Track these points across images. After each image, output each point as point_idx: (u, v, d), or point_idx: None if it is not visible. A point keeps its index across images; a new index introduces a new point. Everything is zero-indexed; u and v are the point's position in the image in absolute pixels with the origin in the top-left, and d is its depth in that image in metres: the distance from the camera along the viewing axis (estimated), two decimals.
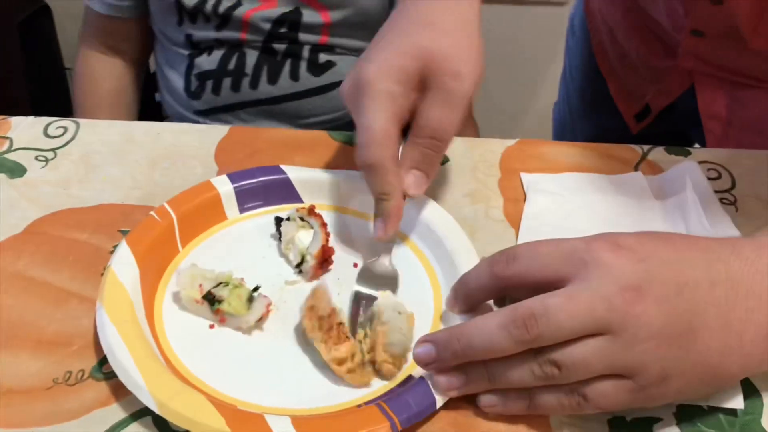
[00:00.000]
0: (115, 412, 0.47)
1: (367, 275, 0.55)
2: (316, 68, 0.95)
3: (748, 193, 0.65)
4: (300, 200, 0.62)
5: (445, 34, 0.56)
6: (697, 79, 0.85)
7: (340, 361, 0.49)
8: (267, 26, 0.93)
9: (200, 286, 0.53)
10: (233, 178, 0.61)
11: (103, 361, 0.50)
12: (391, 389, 0.49)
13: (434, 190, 0.64)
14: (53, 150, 0.67)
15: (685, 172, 0.64)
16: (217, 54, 0.94)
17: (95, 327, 0.50)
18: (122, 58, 1.04)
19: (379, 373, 0.50)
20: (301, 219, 0.58)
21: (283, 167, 0.62)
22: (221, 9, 0.91)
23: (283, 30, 0.93)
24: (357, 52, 0.96)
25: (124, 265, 0.53)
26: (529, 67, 1.72)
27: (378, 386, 0.49)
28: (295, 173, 0.62)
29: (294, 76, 0.94)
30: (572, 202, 0.63)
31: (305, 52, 0.95)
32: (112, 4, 0.99)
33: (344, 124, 0.95)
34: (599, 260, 0.44)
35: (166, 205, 0.58)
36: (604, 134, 0.93)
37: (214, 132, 0.70)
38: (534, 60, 1.72)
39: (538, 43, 1.67)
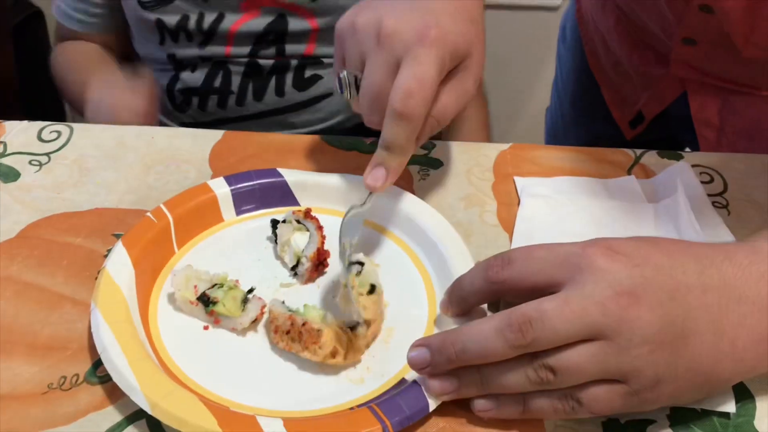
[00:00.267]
0: (110, 416, 0.47)
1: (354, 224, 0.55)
2: (302, 83, 0.95)
3: (740, 197, 0.65)
4: (296, 203, 0.62)
5: (483, 37, 0.58)
6: (690, 86, 0.86)
7: (332, 354, 0.49)
8: (251, 40, 0.92)
9: (195, 287, 0.53)
10: (230, 180, 0.61)
11: (97, 364, 0.50)
12: (383, 392, 0.49)
13: (428, 194, 0.65)
14: (47, 154, 0.67)
15: (677, 175, 0.64)
16: (202, 71, 0.94)
17: (89, 331, 0.50)
18: None
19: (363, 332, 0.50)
20: (297, 222, 0.58)
21: (280, 170, 0.62)
22: (205, 25, 0.91)
23: (269, 40, 0.92)
24: None
25: (119, 265, 0.53)
26: (522, 72, 1.73)
27: (371, 389, 0.49)
28: (291, 176, 0.62)
29: (279, 92, 0.94)
30: (566, 206, 0.63)
31: (291, 66, 0.94)
32: (81, 19, 0.98)
33: (331, 134, 0.95)
34: (594, 265, 0.44)
35: (163, 207, 0.58)
36: (598, 140, 0.94)
37: (209, 136, 0.70)
38: (527, 64, 1.73)
39: (531, 48, 1.67)
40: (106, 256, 0.57)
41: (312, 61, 0.95)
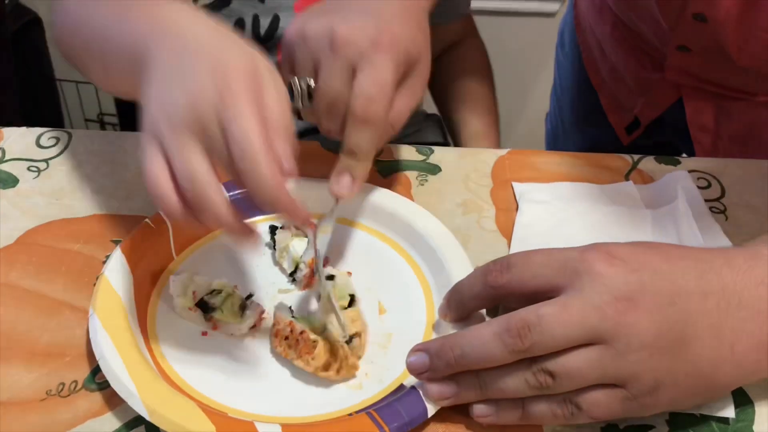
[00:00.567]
0: (109, 422, 0.47)
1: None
2: None
3: (738, 202, 0.65)
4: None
5: (429, 43, 0.58)
6: (685, 92, 0.86)
7: (325, 366, 0.49)
8: None
9: (193, 293, 0.53)
10: (229, 186, 0.61)
11: (95, 371, 0.50)
12: (382, 398, 0.49)
13: (426, 199, 0.65)
14: (45, 160, 0.67)
15: (677, 182, 0.65)
16: None
17: (88, 337, 0.50)
18: None
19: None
20: (296, 228, 0.58)
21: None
22: (261, 30, 0.84)
23: None
24: None
25: (117, 272, 0.53)
26: (520, 78, 1.73)
27: (369, 395, 0.49)
28: (290, 182, 0.62)
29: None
30: (564, 212, 0.64)
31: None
32: None
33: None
34: (592, 270, 0.44)
35: (162, 213, 0.58)
36: (596, 146, 0.94)
37: None
38: (526, 70, 1.74)
39: (530, 54, 1.68)
40: (104, 262, 0.57)
41: None
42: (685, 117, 0.87)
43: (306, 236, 0.58)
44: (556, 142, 1.14)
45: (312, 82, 0.55)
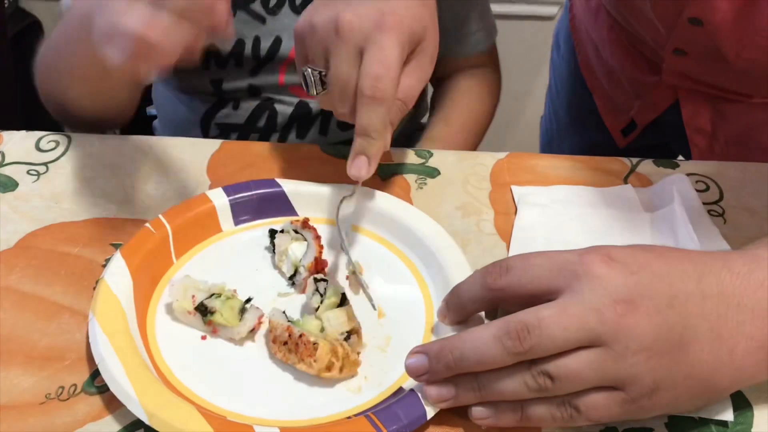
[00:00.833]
0: (108, 426, 0.47)
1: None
2: (347, 123, 0.92)
3: (736, 205, 0.65)
4: (294, 213, 0.62)
5: (436, 18, 0.59)
6: (681, 94, 0.86)
7: (328, 367, 0.49)
8: None
9: (193, 297, 0.53)
10: (228, 190, 0.61)
11: (95, 374, 0.50)
12: (381, 401, 0.49)
13: (425, 203, 0.65)
14: (45, 164, 0.67)
15: (674, 185, 0.65)
16: (246, 107, 0.85)
17: (87, 341, 0.50)
18: None
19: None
20: (295, 231, 0.58)
21: (278, 180, 0.62)
22: (262, 51, 0.83)
23: None
24: None
25: (117, 276, 0.53)
26: (518, 81, 1.73)
27: (368, 398, 0.49)
28: (290, 186, 0.62)
29: (323, 131, 0.88)
30: (563, 215, 0.64)
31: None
32: None
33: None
34: (591, 273, 0.44)
35: (162, 217, 0.58)
36: (591, 148, 0.94)
37: (207, 146, 0.70)
38: (524, 73, 1.74)
39: (528, 57, 1.68)
40: (104, 266, 0.57)
41: None
42: (681, 119, 0.87)
43: (305, 240, 0.58)
44: (550, 144, 1.14)
45: (323, 71, 0.56)
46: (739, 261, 0.45)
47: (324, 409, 0.49)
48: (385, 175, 0.68)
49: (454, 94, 0.94)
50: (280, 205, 0.62)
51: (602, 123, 0.98)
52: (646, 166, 0.70)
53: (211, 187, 0.65)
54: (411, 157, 0.70)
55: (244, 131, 0.87)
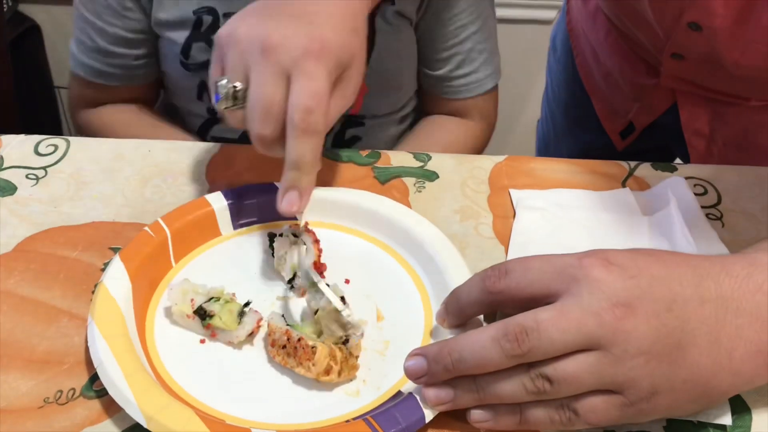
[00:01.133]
0: (106, 430, 0.47)
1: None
2: (342, 144, 0.92)
3: (734, 209, 0.66)
4: (294, 217, 0.62)
5: (364, 45, 0.58)
6: (680, 97, 0.86)
7: (326, 371, 0.49)
8: None
9: (192, 300, 0.53)
10: (228, 194, 0.61)
11: (93, 378, 0.50)
12: (379, 404, 0.49)
13: (424, 206, 0.65)
14: (44, 168, 0.67)
15: (672, 188, 0.65)
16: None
17: (86, 344, 0.50)
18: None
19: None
20: (294, 235, 0.58)
21: (278, 184, 0.62)
22: None
23: None
24: (384, 117, 0.92)
25: (116, 279, 0.53)
26: (516, 85, 1.73)
27: (367, 402, 0.49)
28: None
29: None
30: (561, 218, 0.64)
31: (334, 128, 0.90)
32: (119, 74, 0.87)
33: None
34: (590, 276, 0.44)
35: (161, 221, 0.58)
36: (588, 151, 0.94)
37: (206, 149, 0.70)
38: (522, 77, 1.74)
39: (526, 61, 1.68)
40: (103, 269, 0.57)
41: (355, 121, 0.91)
42: (679, 121, 0.87)
43: (304, 244, 0.58)
44: (547, 147, 1.14)
45: (239, 85, 0.55)
46: (737, 265, 0.46)
47: (322, 413, 0.49)
48: (384, 179, 0.68)
49: (431, 129, 0.94)
50: None
51: (599, 126, 0.99)
52: (645, 170, 0.70)
53: (210, 191, 0.65)
54: (409, 160, 0.70)
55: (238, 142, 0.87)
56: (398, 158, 0.70)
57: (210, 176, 0.67)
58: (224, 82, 0.55)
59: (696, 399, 0.45)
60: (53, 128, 1.72)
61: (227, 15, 0.81)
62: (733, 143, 0.86)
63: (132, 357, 0.48)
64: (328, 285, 0.54)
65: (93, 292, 0.54)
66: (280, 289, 0.57)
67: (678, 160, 1.00)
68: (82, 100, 0.91)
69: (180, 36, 0.83)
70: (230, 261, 0.59)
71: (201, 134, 0.91)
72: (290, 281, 0.57)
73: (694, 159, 0.89)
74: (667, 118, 0.89)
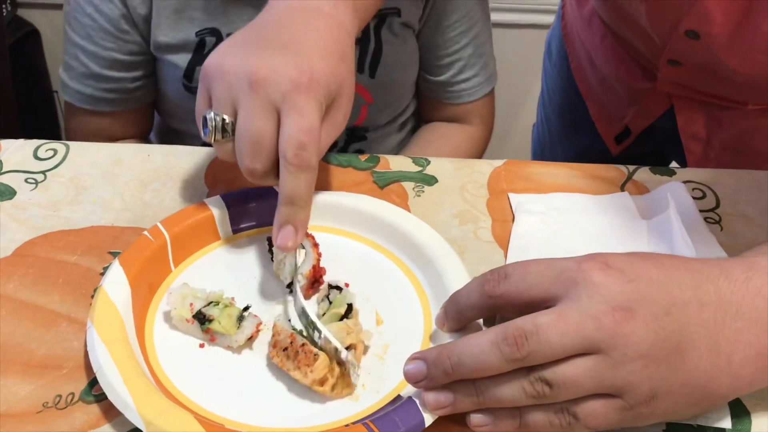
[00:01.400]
0: None
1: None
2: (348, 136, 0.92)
3: (732, 212, 0.66)
4: None
5: (353, 71, 0.58)
6: (676, 101, 0.87)
7: (321, 381, 0.49)
8: None
9: (191, 305, 0.53)
10: (227, 198, 0.61)
11: (92, 383, 0.50)
12: (379, 408, 0.49)
13: (423, 210, 0.65)
14: (43, 172, 0.67)
15: (670, 192, 0.65)
16: None
17: (85, 349, 0.50)
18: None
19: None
20: None
21: (277, 188, 0.62)
22: None
23: None
24: (386, 126, 0.92)
25: (115, 284, 0.53)
26: (514, 89, 1.74)
27: (366, 406, 0.49)
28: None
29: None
30: (560, 222, 0.64)
31: (337, 143, 0.90)
32: (115, 99, 0.85)
33: None
34: (589, 280, 0.44)
35: (160, 225, 0.58)
36: (584, 156, 0.94)
37: (205, 154, 0.70)
38: (519, 82, 1.74)
39: (525, 65, 1.69)
40: (102, 274, 0.57)
41: (358, 134, 0.91)
42: (675, 125, 0.88)
43: (303, 248, 0.58)
44: (542, 152, 1.14)
45: (227, 118, 0.54)
46: (736, 268, 0.46)
47: (322, 417, 0.49)
48: (383, 183, 0.68)
49: (432, 137, 0.94)
50: None
51: (595, 131, 0.99)
52: (643, 174, 0.70)
53: (209, 195, 0.65)
54: (408, 164, 0.71)
55: None
56: (397, 163, 0.71)
57: (209, 180, 0.67)
58: (211, 115, 0.55)
59: (695, 402, 0.45)
60: (52, 132, 1.72)
61: (230, 36, 0.80)
62: (729, 147, 0.86)
63: (131, 361, 0.48)
64: (339, 289, 0.54)
65: (92, 297, 0.54)
66: (279, 294, 0.57)
67: (674, 164, 1.01)
68: (79, 129, 0.88)
69: (182, 59, 0.82)
70: (229, 265, 0.59)
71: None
72: (289, 285, 0.57)
73: (691, 163, 0.89)
74: (663, 122, 0.89)
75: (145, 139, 0.93)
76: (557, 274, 0.45)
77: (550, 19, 1.10)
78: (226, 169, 0.69)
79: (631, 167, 0.71)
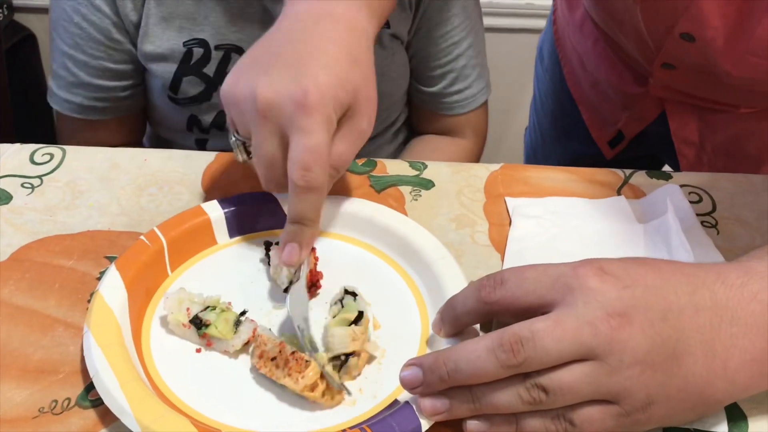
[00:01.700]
0: None
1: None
2: None
3: (729, 216, 0.66)
4: None
5: (370, 74, 0.57)
6: (668, 106, 0.87)
7: (312, 387, 0.49)
8: None
9: (188, 309, 0.53)
10: (224, 203, 0.61)
11: (89, 388, 0.50)
12: (376, 413, 0.49)
13: (420, 214, 0.65)
14: (39, 177, 0.67)
15: (667, 196, 0.65)
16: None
17: (82, 354, 0.50)
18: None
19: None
20: None
21: (274, 192, 0.62)
22: None
23: None
24: (377, 137, 0.92)
25: (112, 288, 0.53)
26: (507, 93, 1.74)
27: (363, 411, 0.49)
28: (286, 199, 0.62)
29: None
30: (557, 226, 0.64)
31: None
32: (105, 107, 0.85)
33: None
34: (585, 286, 0.44)
35: (156, 230, 0.58)
36: (576, 160, 0.94)
37: (201, 158, 0.70)
38: (513, 86, 1.75)
39: (517, 69, 1.69)
40: (98, 278, 0.57)
41: None
42: (668, 130, 0.88)
43: None
44: (535, 156, 1.14)
45: (248, 141, 0.56)
46: (732, 273, 0.46)
47: (319, 422, 0.48)
48: (380, 187, 0.68)
49: (424, 149, 0.93)
50: (276, 217, 0.62)
51: (587, 135, 0.99)
52: (639, 178, 0.70)
53: (206, 200, 0.65)
54: (405, 168, 0.71)
55: None
56: (394, 167, 0.71)
57: (206, 185, 0.67)
58: (233, 139, 0.57)
59: (692, 408, 0.45)
60: (48, 137, 1.71)
61: (219, 47, 0.80)
62: (722, 151, 0.86)
63: (128, 366, 0.48)
64: (354, 295, 0.54)
65: (88, 301, 0.54)
66: (276, 298, 0.57)
67: (666, 167, 1.01)
68: (70, 136, 0.88)
69: (167, 69, 0.81)
70: (226, 270, 0.59)
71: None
72: (286, 290, 0.57)
73: (684, 167, 0.89)
74: (656, 126, 0.90)
75: (137, 146, 0.93)
76: (553, 280, 0.45)
77: (542, 23, 1.10)
78: (223, 174, 0.69)
79: (628, 171, 0.71)
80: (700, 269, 0.46)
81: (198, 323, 0.53)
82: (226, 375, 0.52)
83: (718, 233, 0.64)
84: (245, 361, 0.53)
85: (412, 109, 0.95)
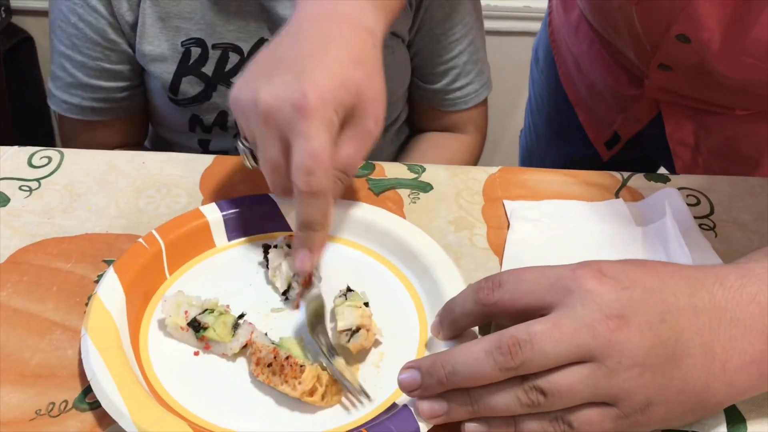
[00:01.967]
0: None
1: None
2: None
3: (727, 219, 0.66)
4: (288, 228, 0.62)
5: (375, 72, 0.56)
6: (664, 108, 0.87)
7: (311, 392, 0.48)
8: None
9: (186, 312, 0.53)
10: (222, 206, 0.61)
11: (86, 390, 0.50)
12: (374, 417, 0.49)
13: (418, 217, 0.65)
14: (37, 180, 0.67)
15: (665, 199, 0.65)
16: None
17: (79, 357, 0.50)
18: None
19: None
20: (289, 247, 0.58)
21: (272, 195, 0.62)
22: None
23: None
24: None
25: (110, 291, 0.53)
26: (504, 96, 1.74)
27: (362, 414, 0.49)
28: (283, 201, 0.62)
29: None
30: (555, 229, 0.64)
31: None
32: (104, 108, 0.85)
33: None
34: (584, 288, 0.44)
35: (155, 233, 0.58)
36: (572, 162, 0.94)
37: (199, 161, 0.70)
38: (510, 88, 1.75)
39: (514, 71, 1.69)
40: (96, 281, 0.57)
41: None
42: (663, 131, 0.88)
43: None
44: (531, 158, 1.14)
45: (255, 147, 0.56)
46: (731, 275, 0.46)
47: (317, 425, 0.48)
48: (379, 190, 0.68)
49: (427, 146, 0.94)
50: (274, 220, 0.62)
51: (584, 137, 0.99)
52: (637, 181, 0.70)
53: (204, 203, 0.65)
54: (404, 171, 0.71)
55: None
56: (392, 170, 0.71)
57: (204, 187, 0.67)
58: (240, 145, 0.57)
59: (690, 410, 0.45)
60: (46, 140, 1.72)
61: (216, 46, 0.80)
62: (717, 152, 0.86)
63: (125, 369, 0.48)
64: (367, 303, 0.54)
65: (86, 305, 0.54)
66: (274, 301, 0.57)
67: (662, 169, 1.01)
68: (71, 138, 0.88)
69: (166, 70, 0.81)
70: (224, 272, 0.59)
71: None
72: (285, 293, 0.57)
73: (680, 169, 0.89)
74: (652, 127, 0.90)
75: (139, 147, 0.93)
76: (551, 282, 0.45)
77: (539, 26, 1.10)
78: (222, 176, 0.69)
79: (626, 174, 0.71)
80: (698, 271, 0.46)
81: (196, 326, 0.52)
82: (224, 378, 0.52)
83: (716, 236, 0.64)
84: (243, 364, 0.53)
85: (414, 106, 0.95)
